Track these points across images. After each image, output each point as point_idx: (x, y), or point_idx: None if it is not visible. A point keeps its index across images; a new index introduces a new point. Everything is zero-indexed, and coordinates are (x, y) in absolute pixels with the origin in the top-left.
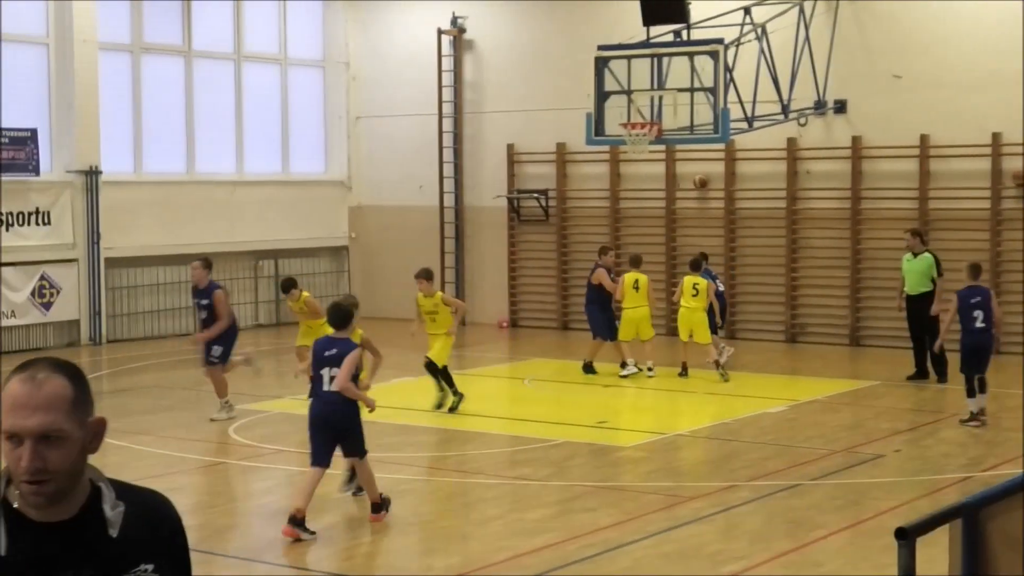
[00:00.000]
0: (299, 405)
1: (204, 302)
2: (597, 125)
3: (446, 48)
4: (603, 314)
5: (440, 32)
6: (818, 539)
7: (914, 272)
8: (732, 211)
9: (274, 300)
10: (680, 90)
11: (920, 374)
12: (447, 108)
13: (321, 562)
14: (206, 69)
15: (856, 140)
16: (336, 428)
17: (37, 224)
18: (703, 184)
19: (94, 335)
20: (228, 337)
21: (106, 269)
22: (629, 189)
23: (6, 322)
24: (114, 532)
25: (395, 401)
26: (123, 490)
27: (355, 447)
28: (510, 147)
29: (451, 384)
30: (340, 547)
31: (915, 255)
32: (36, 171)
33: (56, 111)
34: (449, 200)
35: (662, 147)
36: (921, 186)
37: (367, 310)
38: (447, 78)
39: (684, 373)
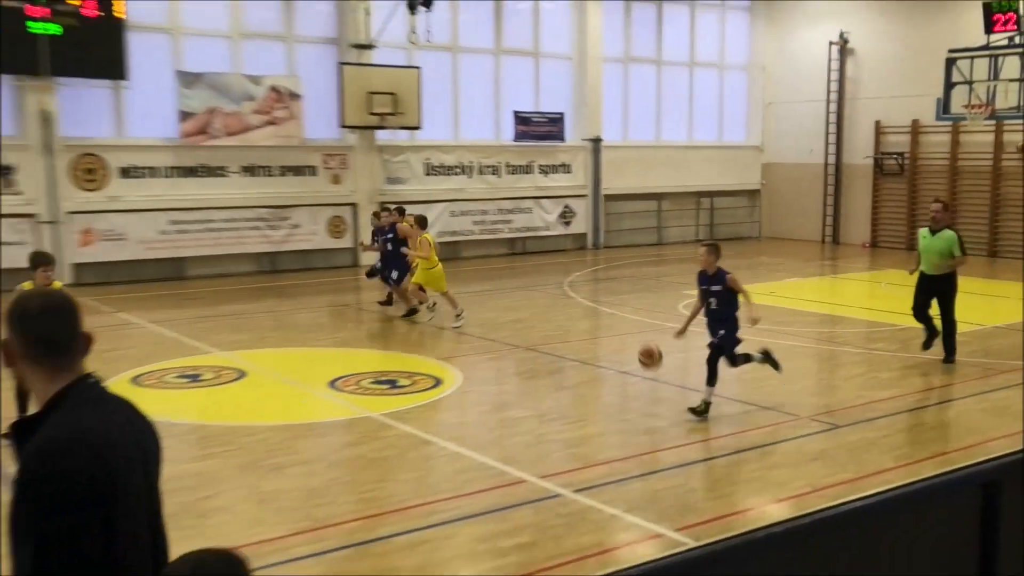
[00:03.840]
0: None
1: (390, 236)
2: (944, 105)
3: (834, 54)
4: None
5: (831, 43)
6: None
7: None
8: None
9: (708, 224)
10: (1011, 80)
11: None
12: (832, 96)
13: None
14: (671, 73)
15: None
16: None
17: (562, 173)
18: (1023, 149)
19: (595, 242)
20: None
21: (604, 202)
22: (966, 153)
23: (543, 233)
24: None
25: (789, 293)
26: (59, 423)
27: None
28: (877, 123)
29: None
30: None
31: None
32: (562, 139)
33: (575, 102)
34: (831, 159)
35: (993, 122)
36: None
37: (774, 231)
38: (833, 75)
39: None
